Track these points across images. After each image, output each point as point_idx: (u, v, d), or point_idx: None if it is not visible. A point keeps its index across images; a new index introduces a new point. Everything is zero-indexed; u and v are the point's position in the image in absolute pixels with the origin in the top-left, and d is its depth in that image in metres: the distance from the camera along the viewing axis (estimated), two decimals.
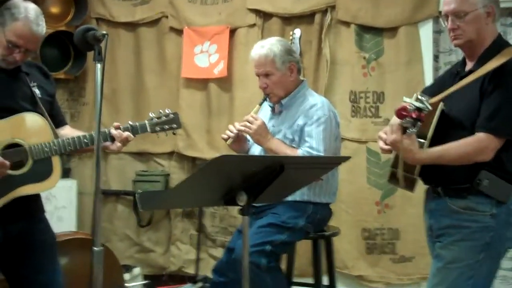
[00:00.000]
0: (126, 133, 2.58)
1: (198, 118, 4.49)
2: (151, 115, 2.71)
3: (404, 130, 2.19)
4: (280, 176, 1.86)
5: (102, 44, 2.16)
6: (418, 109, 2.15)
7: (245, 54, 4.32)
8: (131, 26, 4.60)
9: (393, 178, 2.45)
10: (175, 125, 2.73)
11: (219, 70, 4.36)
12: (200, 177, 1.83)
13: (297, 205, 2.96)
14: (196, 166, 4.55)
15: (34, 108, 2.50)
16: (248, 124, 3.01)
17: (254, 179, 1.87)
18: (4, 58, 2.43)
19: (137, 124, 2.65)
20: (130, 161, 4.64)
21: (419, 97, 2.20)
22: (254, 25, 4.30)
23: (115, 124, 2.61)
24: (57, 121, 2.65)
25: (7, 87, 2.47)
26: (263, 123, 3.02)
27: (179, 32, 4.50)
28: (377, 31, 4.07)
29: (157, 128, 2.69)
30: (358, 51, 4.08)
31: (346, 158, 2.18)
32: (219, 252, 4.47)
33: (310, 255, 4.01)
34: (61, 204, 4.39)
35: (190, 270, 4.50)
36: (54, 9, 4.58)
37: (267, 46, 3.04)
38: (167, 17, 4.52)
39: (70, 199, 4.47)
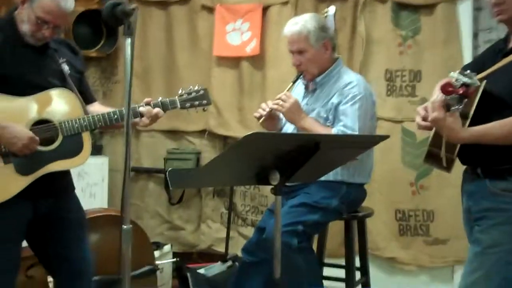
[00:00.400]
0: (156, 109, 2.56)
1: (230, 97, 4.44)
2: (181, 91, 2.68)
3: (447, 107, 2.10)
4: (315, 155, 1.81)
5: (132, 18, 2.11)
6: (465, 85, 2.05)
7: (278, 32, 4.24)
8: (163, 4, 4.54)
9: (429, 157, 2.38)
10: (205, 101, 2.70)
11: (252, 48, 4.30)
12: (231, 155, 1.79)
13: (330, 185, 2.91)
14: (228, 145, 4.53)
15: (63, 85, 2.49)
16: (281, 102, 2.97)
17: (288, 157, 1.82)
18: (33, 34, 2.42)
19: (167, 100, 2.63)
20: (162, 139, 4.62)
21: (466, 72, 2.10)
22: (287, 2, 4.21)
23: (146, 99, 2.59)
24: (86, 98, 2.65)
25: (36, 63, 2.46)
26: (297, 101, 2.97)
27: (211, 10, 4.43)
28: (414, 8, 3.95)
29: (187, 104, 2.67)
30: (394, 29, 3.99)
31: (385, 137, 2.11)
32: (249, 231, 4.45)
33: (342, 235, 4.01)
34: (93, 181, 4.42)
35: (220, 249, 4.49)
36: None
37: (300, 23, 2.98)
38: None
39: (102, 176, 4.49)
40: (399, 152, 4.02)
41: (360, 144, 2.02)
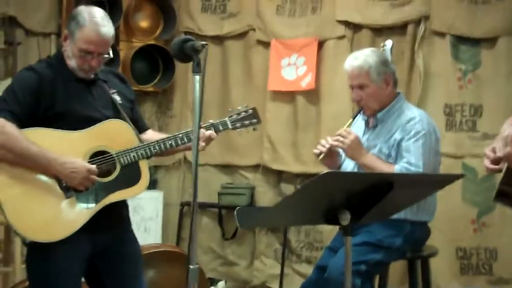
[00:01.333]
0: (209, 132, 2.56)
1: (284, 131, 4.43)
2: (230, 112, 2.68)
3: None
4: (387, 194, 1.75)
5: (201, 55, 2.11)
6: None
7: (334, 66, 4.25)
8: (219, 39, 4.61)
9: (501, 196, 2.29)
10: (255, 120, 2.68)
11: (307, 82, 4.29)
12: (303, 195, 1.75)
13: (393, 223, 2.82)
14: (282, 180, 4.50)
15: (116, 115, 2.51)
16: (341, 138, 2.91)
17: (360, 197, 1.77)
18: (81, 67, 2.44)
19: (218, 121, 2.63)
20: (215, 173, 4.63)
21: None
22: (343, 36, 4.21)
23: None
24: (140, 126, 2.66)
25: (88, 97, 2.48)
26: (357, 137, 2.92)
27: (266, 44, 4.47)
28: (474, 41, 3.88)
29: (238, 124, 2.65)
30: (453, 63, 3.91)
31: (460, 176, 2.04)
32: (303, 268, 4.39)
33: (402, 274, 3.91)
34: (148, 216, 4.45)
35: (274, 285, 4.43)
36: (144, 23, 4.69)
37: (361, 57, 2.94)
38: (254, 30, 4.51)
39: (156, 210, 4.52)
40: (459, 189, 3.90)
41: (434, 184, 1.96)
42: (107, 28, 2.43)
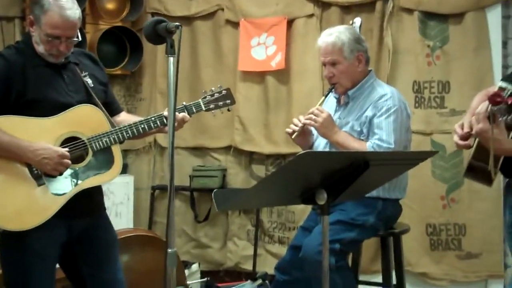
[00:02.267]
0: (182, 114, 2.53)
1: (256, 112, 4.41)
2: (204, 93, 2.66)
3: (492, 118, 2.04)
4: (363, 173, 1.76)
5: (175, 37, 2.07)
6: None
7: (303, 45, 4.23)
8: (187, 20, 4.54)
9: (470, 171, 2.33)
10: (229, 101, 2.67)
11: (277, 62, 4.27)
12: (280, 175, 1.74)
13: (366, 201, 2.84)
14: (253, 161, 4.48)
15: (89, 99, 2.47)
16: (313, 117, 2.91)
17: (336, 176, 1.77)
18: (49, 52, 2.39)
19: (191, 103, 2.60)
20: (187, 156, 4.59)
21: None
22: (312, 15, 4.19)
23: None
24: (113, 108, 2.63)
25: (59, 82, 2.44)
26: (330, 116, 2.92)
27: (235, 24, 4.42)
28: (442, 17, 3.91)
29: (212, 106, 2.64)
30: (422, 39, 3.94)
31: (434, 153, 2.06)
32: (276, 248, 4.40)
33: (374, 251, 3.95)
34: (119, 200, 4.40)
35: (247, 266, 4.44)
36: (110, 5, 4.59)
37: (335, 34, 2.94)
38: (223, 9, 4.46)
39: (127, 195, 4.47)
40: (429, 165, 3.94)
41: (409, 161, 1.97)
42: (73, 10, 2.37)
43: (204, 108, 2.62)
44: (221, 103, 2.65)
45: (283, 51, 4.23)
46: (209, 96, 2.64)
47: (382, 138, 2.82)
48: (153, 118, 2.51)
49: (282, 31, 4.24)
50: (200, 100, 2.63)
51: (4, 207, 2.31)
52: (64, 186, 2.38)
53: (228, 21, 4.45)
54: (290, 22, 4.26)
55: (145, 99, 4.69)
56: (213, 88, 2.67)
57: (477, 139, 2.26)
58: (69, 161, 2.36)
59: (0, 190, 2.32)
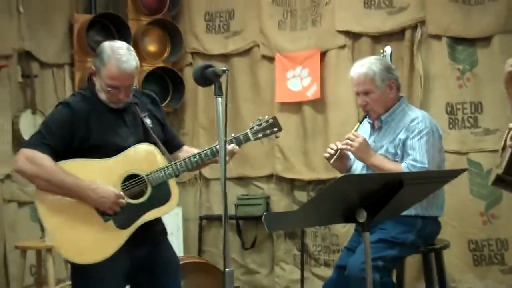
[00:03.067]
0: (231, 146, 2.66)
1: (294, 141, 4.59)
2: (251, 124, 2.76)
3: None
4: (399, 192, 1.92)
5: (222, 79, 2.25)
6: None
7: (337, 75, 4.41)
8: (224, 57, 4.79)
9: (498, 181, 2.43)
10: (276, 129, 2.75)
11: (312, 92, 4.47)
12: (323, 198, 1.92)
13: (405, 220, 2.98)
14: (295, 187, 4.65)
15: (147, 138, 2.64)
16: (349, 141, 3.07)
17: (374, 196, 1.94)
18: (110, 101, 2.60)
19: (239, 134, 2.72)
20: (231, 186, 4.76)
21: None
22: (344, 46, 4.38)
23: None
24: (174, 145, 2.80)
25: (121, 126, 2.62)
26: (365, 140, 3.07)
27: (271, 59, 4.64)
28: (470, 41, 4.04)
29: (259, 135, 2.73)
30: (451, 63, 4.07)
31: (463, 171, 2.20)
32: (322, 271, 4.53)
33: (418, 269, 4.04)
34: (169, 231, 4.52)
35: None
36: (152, 48, 4.88)
37: (366, 65, 3.10)
38: (258, 46, 4.69)
39: (177, 225, 4.67)
40: (466, 183, 4.05)
41: (440, 179, 2.13)
42: (130, 62, 2.54)
43: (252, 138, 2.73)
44: (268, 131, 2.74)
45: (318, 81, 4.42)
46: (257, 126, 2.74)
47: (416, 159, 2.96)
48: (205, 152, 2.66)
49: (316, 63, 4.43)
50: (248, 130, 2.75)
51: (74, 243, 2.53)
52: (128, 220, 2.57)
53: (264, 57, 4.68)
54: (323, 54, 4.45)
55: (188, 134, 4.93)
56: (260, 118, 2.78)
57: (508, 154, 2.37)
58: (124, 201, 2.55)
59: (71, 227, 2.54)
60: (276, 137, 2.81)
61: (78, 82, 4.65)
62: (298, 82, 4.53)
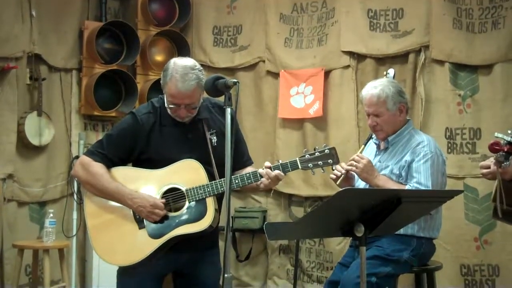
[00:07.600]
0: (276, 172, 2.64)
1: (294, 156, 4.55)
2: (304, 152, 2.72)
3: (499, 164, 2.27)
4: (396, 209, 1.98)
5: (232, 91, 2.31)
6: (510, 143, 2.23)
7: (340, 94, 4.49)
8: (230, 70, 4.87)
9: (496, 212, 2.51)
10: (330, 160, 2.67)
11: (315, 110, 4.54)
12: (323, 210, 1.98)
13: (401, 238, 3.04)
14: (292, 203, 4.71)
15: (207, 156, 2.64)
16: (355, 163, 3.12)
17: (372, 211, 2.00)
18: (174, 115, 2.65)
19: (287, 162, 2.68)
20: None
21: (510, 131, 2.28)
22: (348, 66, 4.47)
23: (266, 164, 2.67)
24: (242, 162, 2.79)
25: (182, 141, 2.67)
26: (369, 162, 3.12)
27: (276, 75, 4.73)
28: (472, 68, 4.13)
29: (310, 164, 2.67)
30: (453, 89, 4.16)
31: (459, 192, 2.27)
32: (315, 287, 4.57)
33: (408, 287, 4.08)
34: None
35: None
36: (159, 57, 4.95)
37: (379, 87, 3.13)
38: (264, 61, 4.78)
39: None
40: (462, 208, 4.12)
41: (436, 199, 2.19)
42: (187, 82, 2.56)
43: (300, 167, 2.67)
44: (321, 162, 2.67)
45: (321, 99, 4.50)
46: (308, 155, 2.68)
47: (420, 182, 3.02)
48: (247, 174, 2.66)
49: (320, 81, 4.52)
50: (297, 158, 2.68)
51: (107, 244, 2.65)
52: (160, 231, 2.62)
53: (268, 72, 4.77)
54: (327, 73, 4.54)
55: None
56: (316, 147, 2.71)
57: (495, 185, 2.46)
58: (161, 211, 2.60)
59: (107, 230, 2.66)
60: (333, 169, 2.82)
61: (84, 87, 4.70)
62: (301, 99, 4.61)
